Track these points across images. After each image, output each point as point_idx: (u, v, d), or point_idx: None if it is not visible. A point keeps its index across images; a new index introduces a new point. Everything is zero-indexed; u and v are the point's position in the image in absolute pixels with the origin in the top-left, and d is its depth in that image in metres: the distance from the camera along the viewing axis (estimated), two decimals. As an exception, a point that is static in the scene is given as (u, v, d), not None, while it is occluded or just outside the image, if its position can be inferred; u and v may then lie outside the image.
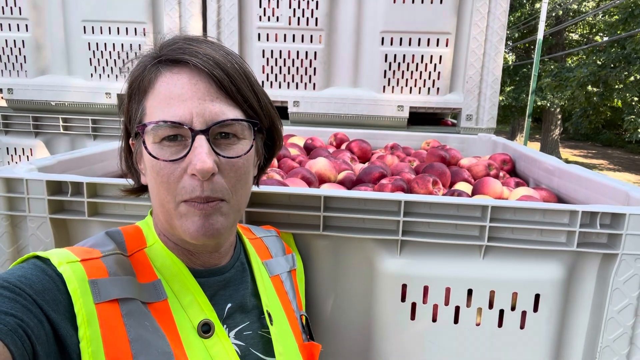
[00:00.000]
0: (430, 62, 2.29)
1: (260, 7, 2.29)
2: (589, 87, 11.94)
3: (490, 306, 0.94)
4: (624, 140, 16.69)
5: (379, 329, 0.97)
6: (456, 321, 0.95)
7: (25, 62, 2.47)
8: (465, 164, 1.73)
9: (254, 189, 0.87)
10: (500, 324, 0.95)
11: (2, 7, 2.40)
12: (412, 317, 0.96)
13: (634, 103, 11.87)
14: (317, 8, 2.26)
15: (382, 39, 2.28)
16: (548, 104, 14.03)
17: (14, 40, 2.44)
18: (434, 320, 0.96)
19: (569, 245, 0.91)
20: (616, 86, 11.78)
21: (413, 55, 2.29)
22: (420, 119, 2.55)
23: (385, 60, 2.30)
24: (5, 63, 2.48)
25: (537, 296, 0.93)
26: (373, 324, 0.98)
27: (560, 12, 15.61)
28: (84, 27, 2.38)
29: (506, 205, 0.92)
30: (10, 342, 0.47)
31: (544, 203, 0.94)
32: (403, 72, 2.31)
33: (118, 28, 2.37)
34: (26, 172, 0.99)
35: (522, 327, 0.94)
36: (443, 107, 2.35)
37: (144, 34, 2.36)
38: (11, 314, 0.49)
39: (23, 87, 2.48)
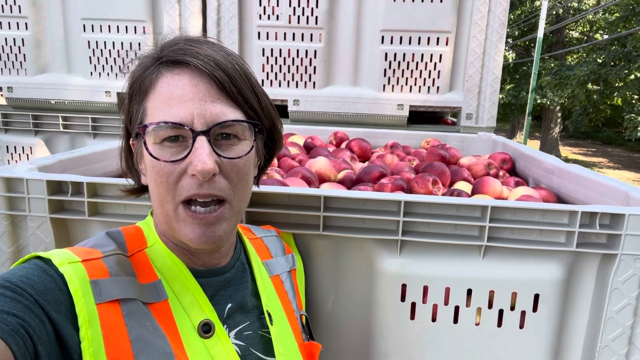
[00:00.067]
0: (430, 61, 2.29)
1: (260, 5, 2.29)
2: (589, 85, 11.93)
3: (490, 306, 0.94)
4: (624, 139, 16.70)
5: (378, 329, 0.97)
6: (456, 321, 0.96)
7: (25, 61, 2.47)
8: (465, 163, 1.74)
9: (254, 189, 0.88)
10: (499, 324, 0.95)
11: (2, 6, 2.40)
12: (412, 317, 0.96)
13: (634, 101, 11.87)
14: (317, 6, 2.26)
15: (382, 37, 2.28)
16: (548, 102, 14.03)
17: (14, 39, 2.44)
18: (434, 320, 0.96)
19: (568, 246, 0.91)
20: (616, 84, 11.77)
21: (413, 54, 2.28)
22: (420, 117, 2.55)
23: (385, 59, 2.30)
24: (5, 61, 2.48)
25: (537, 296, 0.93)
26: (373, 324, 0.98)
27: (561, 10, 15.59)
28: (84, 25, 2.38)
29: (506, 205, 0.92)
30: (12, 342, 0.47)
31: (544, 203, 0.94)
32: (403, 70, 2.31)
33: (118, 26, 2.37)
34: (26, 171, 0.99)
35: (521, 327, 0.95)
36: (443, 106, 2.35)
37: (144, 32, 2.36)
38: (13, 314, 0.50)
39: (23, 85, 2.48)
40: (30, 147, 2.48)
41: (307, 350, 0.81)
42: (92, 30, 2.39)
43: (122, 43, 2.38)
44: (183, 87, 0.63)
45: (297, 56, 2.33)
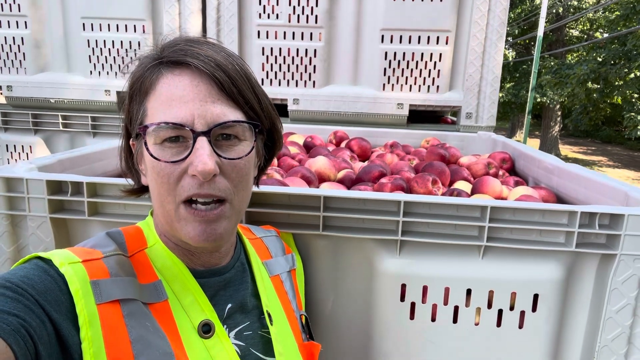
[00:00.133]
0: (430, 60, 2.29)
1: (260, 4, 2.28)
2: (589, 84, 11.93)
3: (489, 306, 0.94)
4: (624, 137, 16.69)
5: (378, 329, 0.98)
6: (455, 321, 0.96)
7: (24, 59, 2.47)
8: (465, 163, 1.74)
9: (254, 189, 0.88)
10: (499, 324, 0.95)
11: (2, 4, 2.40)
12: (412, 317, 0.96)
13: (634, 100, 11.86)
14: (316, 5, 2.26)
15: (382, 36, 2.28)
16: (548, 101, 14.03)
17: (13, 38, 2.44)
18: (433, 319, 0.96)
19: (567, 246, 0.91)
20: (616, 83, 11.76)
21: (413, 53, 2.28)
22: (420, 116, 2.55)
23: (385, 58, 2.30)
24: (4, 60, 2.48)
25: (536, 296, 0.94)
26: (372, 324, 0.98)
27: (561, 9, 15.57)
28: (83, 24, 2.38)
29: (505, 205, 0.92)
30: (12, 342, 0.47)
31: (543, 203, 0.94)
32: (403, 69, 2.31)
33: (117, 25, 2.36)
34: (26, 171, 0.99)
35: (520, 326, 0.95)
36: (443, 105, 2.35)
37: (144, 31, 2.36)
38: (14, 314, 0.50)
39: (22, 84, 2.48)
40: (30, 146, 2.48)
41: (306, 350, 0.81)
42: (92, 29, 2.38)
43: (121, 42, 2.38)
44: (184, 88, 0.63)
45: (297, 55, 2.32)
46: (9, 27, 2.43)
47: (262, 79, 2.37)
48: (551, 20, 16.06)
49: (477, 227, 0.94)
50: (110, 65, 2.42)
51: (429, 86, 2.33)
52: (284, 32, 2.31)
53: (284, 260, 0.88)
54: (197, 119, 0.63)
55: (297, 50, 2.32)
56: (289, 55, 2.33)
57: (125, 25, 2.36)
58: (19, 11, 2.40)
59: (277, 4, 2.27)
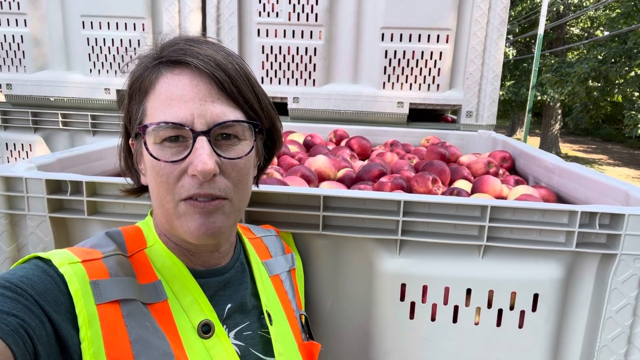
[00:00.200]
0: (431, 59, 2.28)
1: (259, 2, 2.28)
2: (590, 82, 11.91)
3: (489, 306, 0.94)
4: (624, 135, 16.68)
5: (378, 328, 0.98)
6: (455, 320, 0.96)
7: (24, 58, 2.46)
8: (465, 162, 1.73)
9: (253, 188, 0.87)
10: (498, 324, 0.95)
11: (1, 2, 2.39)
12: (411, 317, 0.96)
13: (634, 98, 11.85)
14: (317, 4, 2.25)
15: (382, 34, 2.27)
16: (548, 99, 14.01)
17: (13, 36, 2.43)
18: (433, 319, 0.96)
19: (568, 245, 0.91)
20: (617, 81, 11.75)
21: (413, 52, 2.28)
22: (420, 114, 2.54)
23: (385, 57, 2.29)
24: (4, 58, 2.47)
25: (536, 296, 0.94)
26: (372, 323, 0.98)
27: (561, 7, 15.54)
28: (83, 22, 2.37)
29: (505, 205, 0.92)
30: (11, 342, 0.47)
31: (543, 203, 0.94)
32: (403, 68, 2.30)
33: (117, 23, 2.36)
34: (25, 170, 0.99)
35: (520, 326, 0.95)
36: (443, 104, 2.35)
37: (143, 30, 2.35)
38: (13, 314, 0.50)
39: (22, 82, 2.47)
40: (30, 145, 2.48)
41: (306, 350, 0.81)
42: (92, 27, 2.38)
43: (121, 40, 2.37)
44: (183, 87, 0.63)
45: (297, 53, 2.32)
46: (8, 25, 2.43)
47: (262, 78, 2.36)
48: (552, 18, 16.03)
49: (477, 226, 0.94)
50: (110, 63, 2.42)
51: (429, 84, 2.32)
52: (284, 31, 2.30)
53: (284, 260, 0.88)
54: (197, 118, 0.63)
55: (297, 48, 2.31)
56: (289, 54, 2.33)
57: (125, 24, 2.36)
58: (19, 9, 2.40)
59: (277, 2, 2.27)
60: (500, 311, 0.95)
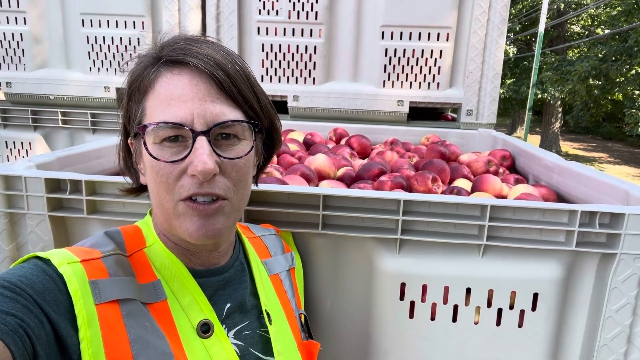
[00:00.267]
0: (431, 57, 2.28)
1: (259, 0, 2.27)
2: (590, 81, 11.90)
3: (489, 305, 0.94)
4: (625, 134, 16.67)
5: (377, 328, 0.98)
6: (454, 320, 0.96)
7: (23, 56, 2.46)
8: (465, 160, 1.73)
9: (253, 187, 0.87)
10: (498, 323, 0.95)
11: (0, 0, 2.38)
12: (411, 316, 0.96)
13: (635, 96, 11.84)
14: (316, 2, 2.25)
15: (382, 33, 2.27)
16: (549, 97, 13.99)
17: (12, 34, 2.43)
18: (433, 318, 0.96)
19: (567, 245, 0.91)
20: (617, 79, 11.74)
21: (413, 50, 2.27)
22: (420, 113, 2.54)
23: (386, 55, 2.29)
24: (3, 56, 2.47)
25: (536, 295, 0.93)
26: (372, 323, 0.98)
27: (562, 5, 15.51)
28: (82, 20, 2.37)
29: (505, 204, 0.92)
30: (10, 342, 0.47)
31: (543, 202, 0.94)
32: (403, 66, 2.30)
33: (117, 21, 2.36)
34: (25, 169, 0.99)
35: (520, 325, 0.95)
36: (443, 102, 2.34)
37: (143, 28, 2.35)
38: (12, 314, 0.50)
39: (21, 80, 2.47)
40: (30, 143, 2.48)
41: (306, 349, 0.81)
42: (91, 25, 2.37)
43: (121, 38, 2.37)
44: (183, 87, 0.63)
45: (297, 52, 2.32)
46: (7, 23, 2.42)
47: (262, 76, 2.36)
48: (552, 16, 16.00)
49: (477, 226, 0.94)
50: (110, 61, 2.42)
51: (429, 83, 2.32)
52: (284, 29, 2.30)
53: (283, 259, 0.88)
54: (197, 118, 0.62)
55: (297, 46, 2.31)
56: (288, 52, 2.32)
57: (125, 22, 2.35)
58: (18, 7, 2.39)
59: (277, 0, 2.26)
60: (500, 310, 0.94)
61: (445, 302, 0.95)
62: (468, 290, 0.94)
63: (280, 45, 2.31)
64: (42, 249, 0.98)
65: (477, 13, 2.21)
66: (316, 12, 2.26)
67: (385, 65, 2.30)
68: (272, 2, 2.27)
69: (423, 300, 0.95)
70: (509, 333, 0.95)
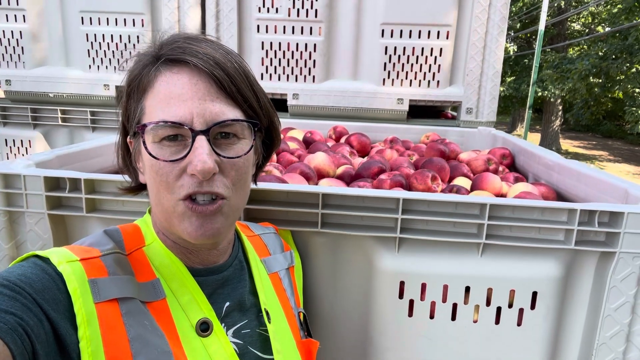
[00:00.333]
0: (431, 55, 2.27)
1: (259, -2, 2.27)
2: (591, 79, 11.88)
3: (488, 303, 0.94)
4: (625, 132, 16.66)
5: (376, 326, 0.98)
6: (453, 318, 0.96)
7: (23, 53, 2.46)
8: (465, 159, 1.73)
9: (252, 186, 0.87)
10: (497, 321, 0.95)
11: (-1, -2, 2.38)
12: (410, 314, 0.96)
13: (635, 94, 11.83)
14: (316, 0, 2.24)
15: (382, 31, 2.27)
16: (549, 95, 13.98)
17: (12, 31, 2.43)
18: (432, 317, 0.96)
19: (567, 244, 0.91)
20: (618, 77, 11.72)
21: (413, 48, 2.27)
22: (420, 111, 2.54)
23: (385, 53, 2.28)
24: (3, 54, 2.47)
25: (535, 294, 0.94)
26: (371, 321, 0.98)
27: (562, 3, 15.48)
28: (82, 18, 2.36)
29: (505, 203, 0.92)
30: (10, 341, 0.47)
31: (543, 201, 0.94)
32: (403, 64, 2.30)
33: (116, 19, 2.35)
34: (24, 167, 0.99)
35: (519, 324, 0.95)
36: (443, 100, 2.34)
37: (142, 25, 2.34)
38: (11, 313, 0.50)
39: (21, 78, 2.47)
40: (29, 141, 2.48)
41: (304, 347, 0.81)
42: (91, 23, 2.37)
43: (120, 36, 2.36)
44: (182, 86, 0.63)
45: (297, 50, 2.31)
46: (7, 20, 2.42)
47: (262, 74, 2.35)
48: (553, 14, 15.98)
49: (476, 224, 0.94)
50: (109, 59, 2.41)
51: (429, 81, 2.32)
52: (284, 27, 2.29)
53: (283, 258, 0.88)
54: (196, 117, 0.62)
55: (297, 44, 2.30)
56: (288, 50, 2.32)
57: (124, 19, 2.35)
58: (17, 5, 2.39)
59: (277, -2, 2.26)
60: (499, 309, 0.95)
61: (444, 300, 0.95)
62: (467, 289, 0.94)
63: (280, 43, 2.31)
64: (42, 247, 0.98)
65: (478, 11, 2.21)
66: (316, 10, 2.25)
67: (385, 63, 2.30)
68: (272, 0, 2.27)
69: (422, 299, 0.95)
70: (508, 331, 0.95)
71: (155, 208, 0.68)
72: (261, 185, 0.95)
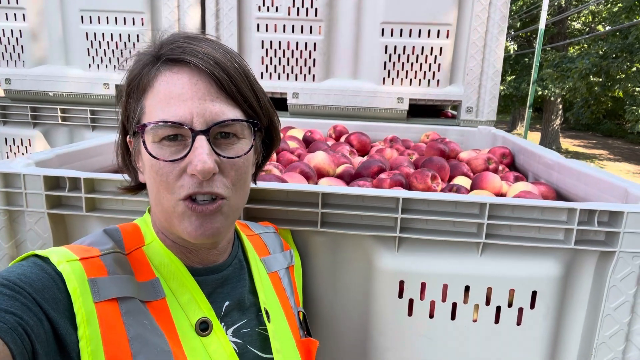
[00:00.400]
0: (431, 54, 2.27)
1: (259, -3, 2.27)
2: (591, 78, 11.88)
3: (487, 303, 0.94)
4: (625, 131, 16.66)
5: (376, 325, 0.98)
6: (453, 317, 0.96)
7: (22, 52, 2.45)
8: (465, 158, 1.73)
9: (252, 185, 0.87)
10: (497, 321, 0.95)
11: (-1, -3, 2.38)
12: (410, 313, 0.96)
13: (635, 93, 11.82)
14: (316, -2, 2.24)
15: (382, 30, 2.26)
16: (549, 94, 13.97)
17: (11, 30, 2.42)
18: (431, 316, 0.96)
19: (566, 243, 0.91)
20: (618, 76, 11.71)
21: (413, 47, 2.27)
22: (420, 110, 2.54)
23: (385, 52, 2.28)
24: (2, 53, 2.47)
25: (534, 293, 0.94)
26: (370, 320, 0.98)
27: (563, 2, 15.46)
28: (82, 16, 2.36)
29: (504, 202, 0.92)
30: (10, 340, 0.47)
31: (542, 201, 0.94)
32: (403, 63, 2.29)
33: (116, 18, 2.35)
34: (23, 166, 0.99)
35: (518, 323, 0.95)
36: (443, 100, 2.34)
37: (142, 24, 2.34)
38: (11, 312, 0.50)
39: (21, 77, 2.47)
40: (29, 140, 2.47)
41: (304, 346, 0.81)
42: (90, 22, 2.37)
43: (120, 35, 2.36)
44: (182, 86, 0.63)
45: (297, 48, 2.31)
46: (7, 19, 2.41)
47: (262, 73, 2.35)
48: (553, 13, 15.96)
49: (476, 224, 0.94)
50: (109, 58, 2.41)
51: (429, 80, 2.31)
52: (284, 25, 2.29)
53: (282, 257, 0.88)
54: (196, 117, 0.62)
55: (297, 43, 2.30)
56: (288, 49, 2.32)
57: (124, 18, 2.34)
58: (17, 3, 2.38)
59: (277, -3, 2.26)
60: (498, 308, 0.95)
61: (444, 300, 0.95)
62: (467, 288, 0.94)
63: (279, 42, 2.31)
64: (41, 246, 0.98)
65: (478, 10, 2.20)
66: (316, 9, 2.25)
67: (385, 62, 2.30)
68: (272, -1, 2.26)
69: (422, 298, 0.95)
70: (508, 331, 0.95)
71: (155, 208, 0.68)
72: (261, 184, 0.95)
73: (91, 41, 2.39)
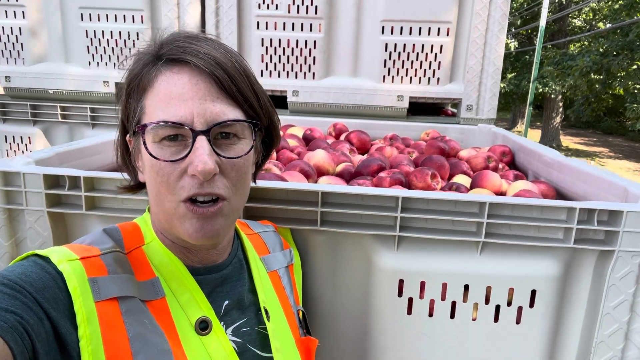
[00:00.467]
0: (431, 52, 2.27)
1: (259, -6, 2.26)
2: (592, 75, 11.86)
3: (487, 301, 0.95)
4: (625, 128, 16.64)
5: (375, 324, 0.98)
6: (452, 316, 0.96)
7: (22, 50, 2.45)
8: (465, 156, 1.73)
9: (252, 184, 0.87)
10: (496, 319, 0.95)
11: (-2, -6, 2.38)
12: (409, 312, 0.96)
13: (636, 91, 11.81)
14: (316, -4, 2.24)
15: (383, 28, 2.26)
16: (550, 92, 13.94)
17: (11, 27, 2.42)
18: (431, 315, 0.96)
19: (566, 242, 0.91)
20: (618, 74, 11.70)
21: (413, 45, 2.27)
22: (420, 108, 2.54)
23: (386, 50, 2.28)
24: (2, 51, 2.46)
25: (534, 292, 0.94)
26: (370, 319, 0.98)
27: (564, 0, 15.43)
28: (82, 14, 2.36)
29: (504, 201, 0.92)
30: (10, 339, 0.47)
31: (542, 200, 0.94)
32: (403, 61, 2.29)
33: (116, 15, 2.34)
34: (23, 165, 0.99)
35: (518, 322, 0.95)
36: (443, 98, 2.34)
37: (142, 22, 2.34)
38: (11, 311, 0.50)
39: (20, 75, 2.46)
40: (29, 137, 2.47)
41: (304, 345, 0.81)
42: (90, 19, 2.36)
43: (120, 32, 2.36)
44: (183, 86, 0.63)
45: (297, 46, 2.31)
46: (6, 17, 2.41)
47: (262, 71, 2.35)
48: (554, 10, 15.92)
49: (476, 223, 0.94)
50: (109, 56, 2.41)
51: (429, 78, 2.31)
52: (284, 23, 2.29)
53: (282, 256, 0.88)
54: (197, 117, 0.62)
55: (297, 41, 2.30)
56: (288, 47, 2.31)
57: (124, 16, 2.34)
58: (17, 1, 2.38)
59: (277, -5, 2.25)
60: (497, 307, 0.95)
61: (443, 298, 0.95)
62: (466, 287, 0.94)
63: (279, 40, 2.30)
64: (41, 245, 0.98)
65: (478, 7, 2.20)
66: (316, 7, 2.25)
67: (385, 60, 2.29)
68: (272, -3, 2.26)
69: (421, 297, 0.96)
70: (507, 330, 0.96)
71: (155, 208, 0.68)
72: (261, 183, 0.95)
73: (91, 39, 2.38)
